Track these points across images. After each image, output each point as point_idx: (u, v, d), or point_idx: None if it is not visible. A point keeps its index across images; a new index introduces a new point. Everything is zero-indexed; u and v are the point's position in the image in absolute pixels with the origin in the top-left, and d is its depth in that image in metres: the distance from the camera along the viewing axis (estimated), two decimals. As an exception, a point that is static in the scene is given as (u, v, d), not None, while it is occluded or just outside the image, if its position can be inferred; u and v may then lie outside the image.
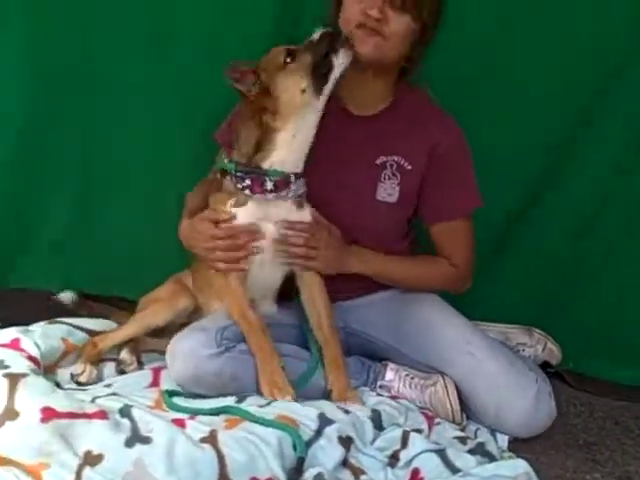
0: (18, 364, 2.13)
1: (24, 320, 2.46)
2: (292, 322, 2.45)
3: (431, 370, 2.43)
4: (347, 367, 2.36)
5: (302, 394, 2.28)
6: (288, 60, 2.20)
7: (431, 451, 2.09)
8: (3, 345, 2.24)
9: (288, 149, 2.24)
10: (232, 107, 2.49)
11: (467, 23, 2.50)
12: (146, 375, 2.38)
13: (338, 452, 2.03)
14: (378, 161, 2.43)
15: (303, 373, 2.31)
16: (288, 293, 2.44)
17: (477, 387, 2.35)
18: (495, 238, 2.93)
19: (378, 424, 2.23)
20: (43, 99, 2.78)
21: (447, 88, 2.53)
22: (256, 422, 2.04)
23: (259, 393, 2.22)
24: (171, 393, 2.22)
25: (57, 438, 1.88)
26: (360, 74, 2.35)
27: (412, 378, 2.43)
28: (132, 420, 2.01)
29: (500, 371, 2.35)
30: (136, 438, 1.94)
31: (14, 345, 2.25)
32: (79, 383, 2.32)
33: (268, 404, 2.16)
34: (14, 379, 2.02)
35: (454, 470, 2.04)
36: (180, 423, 2.05)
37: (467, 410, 2.40)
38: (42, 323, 2.45)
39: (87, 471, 1.84)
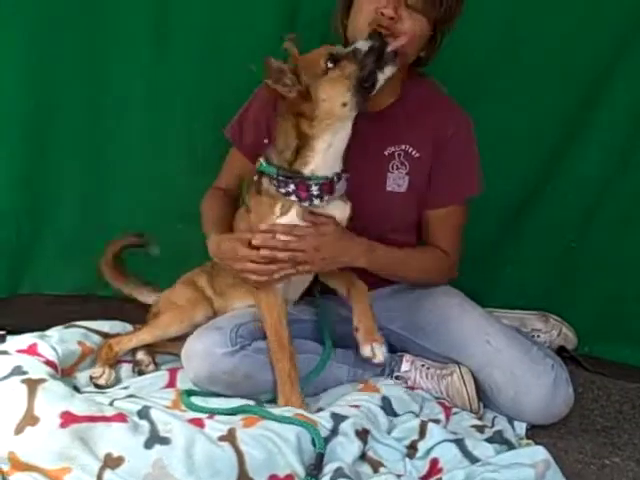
0: (36, 369, 2.15)
1: (35, 326, 2.48)
2: (309, 317, 2.45)
3: (447, 360, 2.43)
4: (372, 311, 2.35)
5: (318, 384, 2.33)
6: (330, 65, 2.13)
7: (449, 441, 2.11)
8: (21, 351, 2.26)
9: (326, 156, 2.20)
10: (235, 106, 2.51)
11: (471, 14, 2.49)
12: (162, 376, 2.40)
13: (356, 446, 2.04)
14: (386, 152, 2.43)
15: (315, 367, 2.33)
16: (309, 290, 2.46)
17: (494, 376, 2.35)
18: (506, 224, 2.94)
19: (390, 411, 2.25)
20: (45, 105, 2.78)
21: (452, 77, 2.54)
22: (274, 419, 2.06)
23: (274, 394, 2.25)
24: (189, 393, 2.24)
25: (77, 442, 1.89)
26: None
27: (428, 369, 2.43)
28: (151, 421, 2.02)
29: (517, 359, 2.35)
30: (155, 439, 1.96)
31: (32, 350, 2.26)
32: (98, 386, 2.33)
33: (283, 408, 2.20)
34: (33, 385, 2.04)
35: (473, 459, 2.05)
36: (198, 423, 2.06)
37: (484, 399, 2.40)
38: (58, 327, 2.47)
39: (108, 474, 1.85)
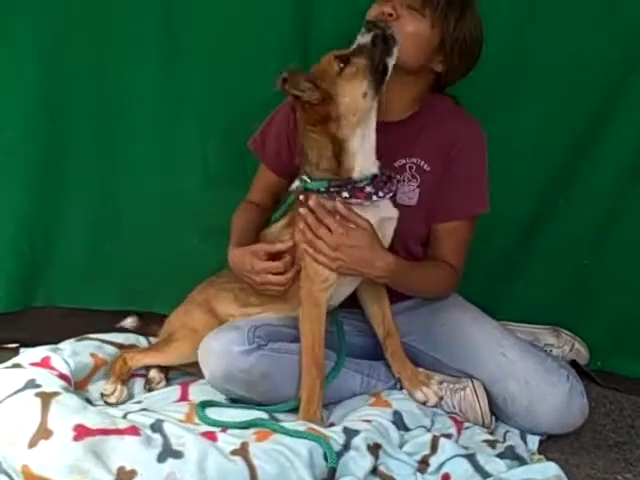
0: (50, 383, 2.16)
1: (49, 339, 2.50)
2: (328, 328, 2.45)
3: (462, 374, 2.43)
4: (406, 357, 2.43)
5: (332, 394, 2.34)
6: (341, 65, 2.17)
7: (461, 456, 2.11)
8: (34, 364, 2.27)
9: (364, 153, 2.22)
10: (247, 120, 2.54)
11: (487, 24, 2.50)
12: (174, 391, 2.41)
13: (368, 460, 2.04)
14: (397, 164, 2.44)
15: (329, 372, 2.34)
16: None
17: (509, 387, 2.35)
18: (519, 239, 2.93)
19: (401, 425, 2.26)
20: (58, 120, 2.79)
21: (462, 91, 2.53)
22: (287, 434, 2.06)
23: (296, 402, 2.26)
24: (204, 405, 2.24)
25: (90, 455, 1.90)
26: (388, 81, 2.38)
27: (441, 382, 2.43)
28: (164, 435, 2.03)
29: (532, 370, 2.35)
30: (168, 453, 1.96)
31: (45, 364, 2.28)
32: (109, 404, 2.33)
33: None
34: (46, 398, 2.05)
35: (484, 475, 2.05)
36: (211, 436, 2.07)
37: (497, 412, 2.40)
38: (71, 340, 2.48)
39: (121, 487, 1.86)
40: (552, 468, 2.07)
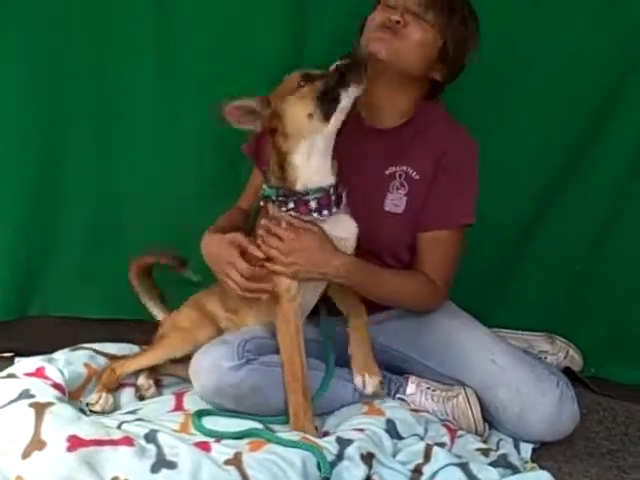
0: (44, 393, 2.16)
1: (44, 348, 2.51)
2: (314, 337, 2.45)
3: (453, 382, 2.44)
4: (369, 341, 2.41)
5: (324, 404, 2.36)
6: (302, 84, 2.20)
7: (454, 465, 2.10)
8: (28, 374, 2.27)
9: (308, 169, 2.24)
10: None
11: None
12: (169, 400, 2.41)
13: (361, 470, 2.04)
14: (387, 171, 2.45)
15: (320, 385, 2.35)
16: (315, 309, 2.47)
17: (500, 394, 2.36)
18: (513, 244, 2.94)
19: (395, 434, 2.25)
20: (56, 129, 2.81)
21: (456, 95, 2.54)
22: (280, 444, 2.06)
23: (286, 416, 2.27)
24: (200, 414, 2.24)
25: (84, 466, 1.90)
26: (383, 87, 2.40)
27: (433, 390, 2.44)
28: (158, 445, 2.03)
29: (522, 377, 2.36)
30: (162, 463, 1.96)
31: (39, 373, 2.28)
32: (94, 412, 2.32)
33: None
34: (40, 408, 2.06)
35: (477, 483, 2.05)
36: (205, 446, 2.07)
37: (490, 419, 2.40)
38: (65, 350, 2.49)
39: (115, 498, 1.86)
40: (545, 476, 2.07)
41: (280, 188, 2.26)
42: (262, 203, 2.33)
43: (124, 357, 2.52)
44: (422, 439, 2.27)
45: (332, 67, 2.20)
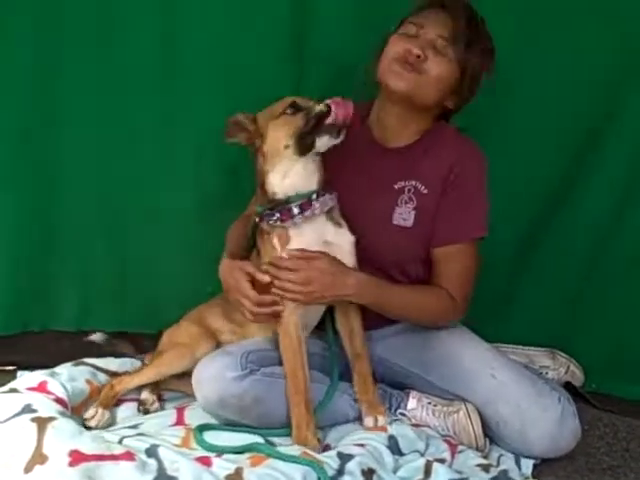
0: (46, 407, 2.17)
1: (46, 363, 2.52)
2: (318, 351, 2.47)
3: (455, 397, 2.44)
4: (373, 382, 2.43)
5: (327, 417, 2.36)
6: (288, 112, 2.26)
7: (454, 481, 2.12)
8: (31, 388, 2.29)
9: (284, 186, 2.29)
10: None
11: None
12: (170, 415, 2.41)
13: (362, 486, 2.05)
14: (396, 186, 2.46)
15: (320, 401, 2.35)
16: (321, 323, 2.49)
17: (500, 410, 2.36)
18: (514, 259, 2.94)
19: (396, 450, 2.25)
20: (60, 128, 2.79)
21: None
22: (281, 459, 2.07)
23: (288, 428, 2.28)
24: (202, 428, 2.25)
25: (85, 481, 1.90)
26: (395, 113, 2.42)
27: (435, 406, 2.44)
28: (158, 460, 2.03)
29: (523, 393, 2.35)
30: (163, 478, 1.97)
31: (41, 388, 2.29)
32: (89, 428, 2.31)
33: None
34: (42, 423, 2.07)
35: (478, 499, 2.06)
36: (206, 461, 2.08)
37: (491, 434, 2.41)
38: (67, 365, 2.49)
39: (115, 513, 1.87)
40: (545, 492, 2.08)
41: (265, 202, 2.32)
42: (257, 220, 2.37)
43: (124, 373, 2.53)
44: (423, 455, 2.27)
45: (315, 107, 2.22)
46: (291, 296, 2.29)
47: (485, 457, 2.34)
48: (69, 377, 2.40)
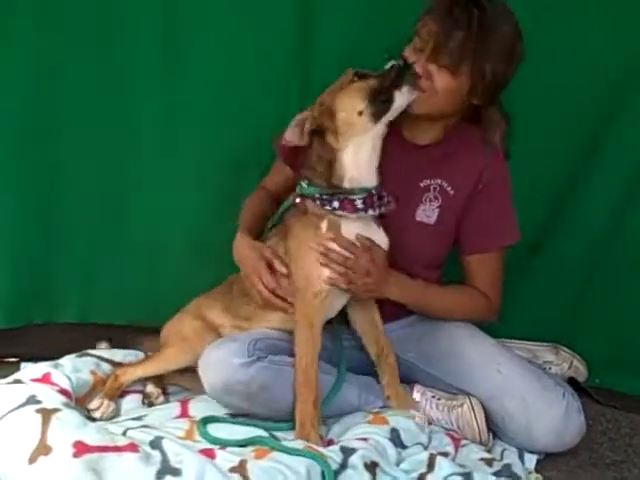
0: (50, 399, 2.16)
1: (50, 354, 2.51)
2: (326, 343, 2.44)
3: (459, 391, 2.44)
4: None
5: (332, 408, 2.36)
6: (355, 79, 2.24)
7: (458, 474, 2.12)
8: (35, 380, 2.28)
9: (357, 167, 2.26)
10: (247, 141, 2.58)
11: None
12: (175, 407, 2.41)
13: (365, 479, 2.05)
14: (422, 184, 2.47)
15: (331, 388, 2.36)
16: None
17: (506, 404, 2.36)
18: (517, 256, 2.93)
19: (399, 443, 2.26)
20: (60, 129, 2.78)
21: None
22: (285, 452, 2.07)
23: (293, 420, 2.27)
24: (206, 421, 2.25)
25: (89, 472, 1.90)
26: (420, 118, 2.40)
27: (438, 399, 2.45)
28: (162, 452, 2.03)
29: (528, 387, 2.36)
30: (166, 470, 1.97)
31: (46, 379, 2.29)
32: (94, 419, 2.32)
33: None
34: (47, 414, 2.06)
35: (481, 493, 2.06)
36: (210, 453, 2.08)
37: (495, 429, 2.41)
38: (72, 356, 2.49)
39: (119, 504, 1.87)
40: (548, 487, 2.08)
41: (325, 186, 2.28)
42: (298, 200, 2.34)
43: (128, 364, 2.53)
44: (426, 448, 2.28)
45: (386, 66, 2.22)
46: (345, 283, 2.28)
47: (488, 451, 2.34)
48: (73, 368, 2.40)
